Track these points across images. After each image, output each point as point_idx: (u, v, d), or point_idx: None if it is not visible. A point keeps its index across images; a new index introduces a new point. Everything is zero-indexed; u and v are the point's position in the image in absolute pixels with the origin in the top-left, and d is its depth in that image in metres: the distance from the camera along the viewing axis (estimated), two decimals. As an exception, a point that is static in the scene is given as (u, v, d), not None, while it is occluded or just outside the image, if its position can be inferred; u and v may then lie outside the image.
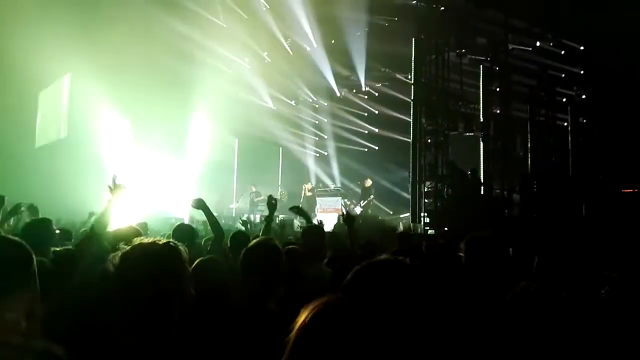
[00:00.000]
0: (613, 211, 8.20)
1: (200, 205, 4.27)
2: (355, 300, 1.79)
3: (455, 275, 3.30)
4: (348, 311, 1.45)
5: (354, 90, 18.39)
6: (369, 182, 15.58)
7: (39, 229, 3.96)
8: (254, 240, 2.90)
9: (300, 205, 16.73)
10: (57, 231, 4.32)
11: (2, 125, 15.56)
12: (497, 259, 3.16)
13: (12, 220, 5.22)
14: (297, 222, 15.69)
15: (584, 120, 9.84)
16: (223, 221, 14.54)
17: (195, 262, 3.18)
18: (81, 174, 15.22)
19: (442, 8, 11.93)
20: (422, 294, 2.29)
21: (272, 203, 4.81)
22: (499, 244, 3.27)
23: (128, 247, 1.90)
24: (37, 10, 13.83)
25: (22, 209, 5.21)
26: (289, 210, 5.74)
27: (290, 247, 3.70)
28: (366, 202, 15.37)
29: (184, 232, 4.46)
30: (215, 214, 4.58)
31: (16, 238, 2.14)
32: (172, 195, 16.73)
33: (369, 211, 15.18)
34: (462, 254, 3.29)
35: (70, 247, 4.36)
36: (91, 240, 3.59)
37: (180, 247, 1.95)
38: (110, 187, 3.74)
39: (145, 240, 1.96)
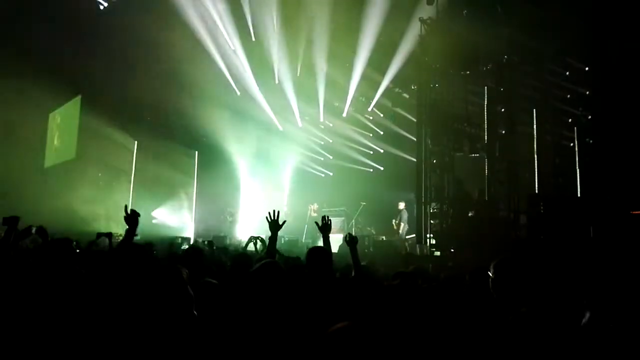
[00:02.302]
0: (621, 233, 8.12)
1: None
2: (372, 325, 1.80)
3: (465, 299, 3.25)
4: (360, 338, 1.48)
5: (360, 110, 18.44)
6: (402, 205, 15.31)
7: (59, 249, 4.00)
8: (258, 264, 2.84)
9: (306, 227, 16.74)
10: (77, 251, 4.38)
11: (12, 145, 15.74)
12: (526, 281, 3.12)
13: (25, 243, 5.23)
14: (303, 240, 15.68)
15: (590, 141, 9.82)
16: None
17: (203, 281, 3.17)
18: (89, 195, 15.36)
19: (447, 29, 12.03)
20: (423, 317, 2.27)
21: (273, 222, 4.47)
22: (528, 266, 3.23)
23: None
24: (49, 31, 14.04)
25: (33, 231, 5.21)
26: (315, 222, 5.18)
27: (297, 270, 3.61)
28: (401, 225, 15.13)
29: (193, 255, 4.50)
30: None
31: None
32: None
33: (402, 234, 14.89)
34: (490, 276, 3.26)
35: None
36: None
37: (181, 269, 2.04)
38: (125, 218, 3.75)
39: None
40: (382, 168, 18.72)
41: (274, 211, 4.56)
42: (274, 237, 4.40)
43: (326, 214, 5.36)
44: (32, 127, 17.54)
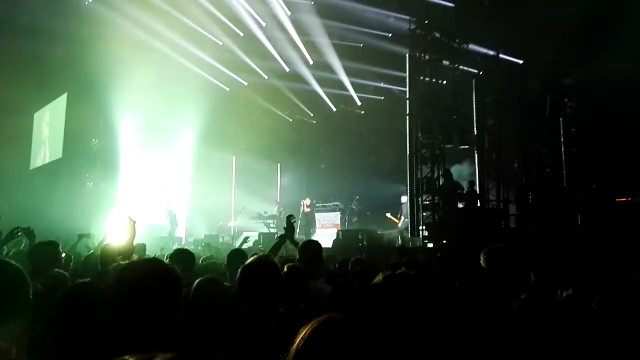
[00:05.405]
0: (607, 220, 8.28)
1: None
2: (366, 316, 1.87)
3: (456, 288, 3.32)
4: (348, 328, 1.51)
5: (350, 105, 18.52)
6: (404, 199, 15.36)
7: (46, 252, 3.97)
8: (251, 258, 2.87)
9: (299, 222, 16.82)
10: (63, 255, 4.34)
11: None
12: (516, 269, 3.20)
13: (8, 246, 5.20)
14: (296, 236, 15.67)
15: (574, 130, 10.01)
16: (221, 240, 14.61)
17: (195, 283, 3.22)
18: (76, 196, 15.20)
19: (435, 23, 12.16)
20: (428, 306, 2.33)
21: (290, 223, 4.80)
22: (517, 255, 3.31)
23: (123, 263, 2.06)
24: (32, 30, 13.86)
25: (19, 233, 5.15)
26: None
27: (290, 264, 3.66)
28: (401, 219, 15.18)
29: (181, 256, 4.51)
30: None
31: (16, 264, 2.10)
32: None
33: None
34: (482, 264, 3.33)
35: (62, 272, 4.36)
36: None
37: (170, 266, 2.00)
38: (127, 227, 3.76)
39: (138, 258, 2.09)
40: (375, 160, 18.75)
41: (289, 216, 4.98)
42: (284, 238, 4.71)
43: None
44: (16, 128, 17.27)
